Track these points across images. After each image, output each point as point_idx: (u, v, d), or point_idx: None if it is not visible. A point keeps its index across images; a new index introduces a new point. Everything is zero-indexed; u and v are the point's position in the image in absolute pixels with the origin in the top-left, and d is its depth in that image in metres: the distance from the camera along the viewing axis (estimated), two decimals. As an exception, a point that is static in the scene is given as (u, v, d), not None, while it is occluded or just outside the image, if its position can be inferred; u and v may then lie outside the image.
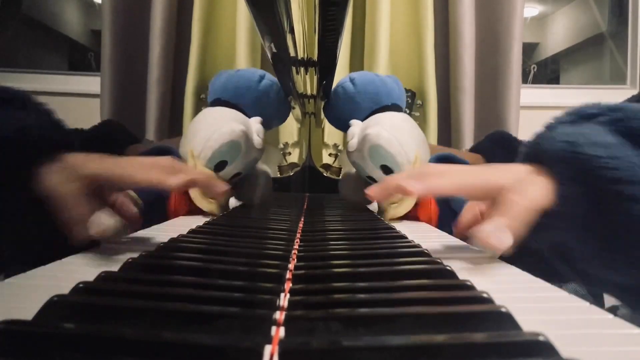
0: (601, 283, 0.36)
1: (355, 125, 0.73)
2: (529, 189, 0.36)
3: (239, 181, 0.74)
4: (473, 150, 1.02)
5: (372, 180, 0.73)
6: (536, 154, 0.38)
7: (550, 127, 0.39)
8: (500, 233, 0.33)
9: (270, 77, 0.78)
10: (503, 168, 0.39)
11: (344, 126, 0.87)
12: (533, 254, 0.38)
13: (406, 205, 0.68)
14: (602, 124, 0.35)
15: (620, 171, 0.31)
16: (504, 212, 0.35)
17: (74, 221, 0.35)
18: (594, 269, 0.35)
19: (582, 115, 0.37)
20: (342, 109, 0.80)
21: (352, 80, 0.78)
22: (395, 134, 0.67)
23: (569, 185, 0.34)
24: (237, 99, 0.75)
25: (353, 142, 0.71)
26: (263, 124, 0.75)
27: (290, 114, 0.88)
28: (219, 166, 0.69)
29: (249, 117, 0.74)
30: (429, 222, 0.68)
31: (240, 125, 0.68)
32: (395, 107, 0.77)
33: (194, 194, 0.68)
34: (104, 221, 0.35)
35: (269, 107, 0.78)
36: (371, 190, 0.40)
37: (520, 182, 0.36)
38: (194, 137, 0.68)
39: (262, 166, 0.82)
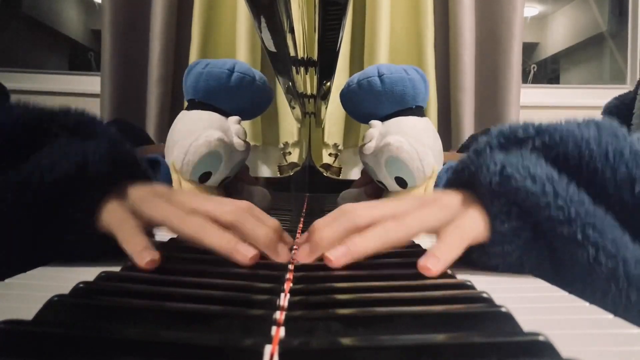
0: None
1: (375, 127, 0.70)
2: (465, 223, 0.35)
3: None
4: (464, 148, 1.01)
5: (382, 185, 0.73)
6: (467, 181, 0.37)
7: (479, 153, 0.36)
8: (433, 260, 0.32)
9: (240, 68, 0.71)
10: (438, 205, 0.37)
11: (358, 117, 0.82)
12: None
13: None
14: (533, 150, 0.35)
15: (556, 209, 0.31)
16: (438, 242, 0.34)
17: (131, 252, 0.33)
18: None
19: (512, 140, 0.36)
20: (363, 102, 0.75)
21: (380, 76, 0.72)
22: (417, 147, 0.65)
23: (503, 221, 0.33)
24: (210, 100, 0.70)
25: (370, 145, 0.69)
26: (245, 116, 0.71)
27: (291, 113, 0.87)
28: (203, 177, 0.67)
29: (228, 114, 0.70)
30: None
31: (217, 133, 0.65)
32: (418, 110, 0.73)
33: None
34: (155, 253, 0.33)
35: (245, 99, 0.73)
36: (299, 257, 0.36)
37: (455, 216, 0.35)
38: (173, 147, 0.66)
39: (260, 188, 0.80)
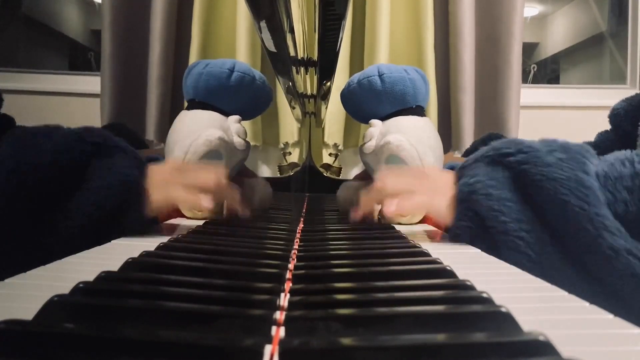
0: None
1: (375, 127, 0.70)
2: (435, 200, 0.52)
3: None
4: (468, 154, 1.02)
5: None
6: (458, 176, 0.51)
7: (475, 160, 0.50)
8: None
9: (240, 68, 0.72)
10: (430, 180, 0.54)
11: (358, 116, 0.83)
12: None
13: (417, 218, 0.68)
14: (508, 165, 0.47)
15: (499, 222, 0.45)
16: (407, 198, 0.51)
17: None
18: None
19: (498, 154, 0.48)
20: (363, 101, 0.76)
21: (380, 76, 0.73)
22: (417, 146, 0.65)
23: (460, 219, 0.48)
24: (210, 99, 0.71)
25: (370, 145, 0.69)
26: (245, 116, 0.71)
27: (291, 113, 0.87)
28: None
29: (227, 114, 0.70)
30: (436, 225, 0.68)
31: (217, 132, 0.65)
32: (418, 110, 0.74)
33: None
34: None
35: (245, 99, 0.74)
36: (356, 215, 0.56)
37: (437, 192, 0.52)
38: (173, 146, 0.66)
39: (261, 179, 0.79)
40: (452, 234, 0.50)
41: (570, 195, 0.42)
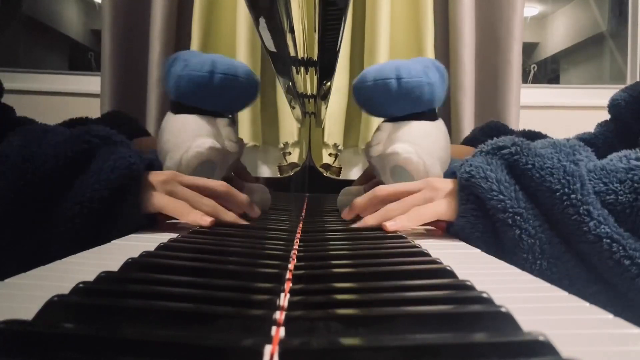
0: None
1: (384, 131, 0.68)
2: (437, 204, 0.53)
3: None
4: (467, 141, 1.01)
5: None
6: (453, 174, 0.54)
7: (473, 155, 0.53)
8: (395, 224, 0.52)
9: (221, 68, 0.68)
10: (429, 187, 0.55)
11: (367, 110, 0.80)
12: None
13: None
14: (502, 157, 0.50)
15: (497, 202, 0.47)
16: (407, 214, 0.53)
17: (194, 221, 0.51)
18: None
19: (494, 147, 0.51)
20: (376, 100, 0.72)
21: (398, 79, 0.69)
22: (425, 159, 0.63)
23: (464, 203, 0.50)
24: (195, 102, 0.67)
25: (378, 148, 0.67)
26: (233, 111, 0.70)
27: (291, 113, 0.87)
28: None
29: (214, 114, 0.67)
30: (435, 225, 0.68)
31: (207, 142, 0.63)
32: (432, 113, 0.71)
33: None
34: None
35: (231, 97, 0.70)
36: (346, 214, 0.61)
37: (436, 197, 0.54)
38: (165, 155, 0.64)
39: (261, 186, 0.78)
40: (457, 224, 0.51)
41: (556, 183, 0.45)
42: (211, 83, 0.66)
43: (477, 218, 0.49)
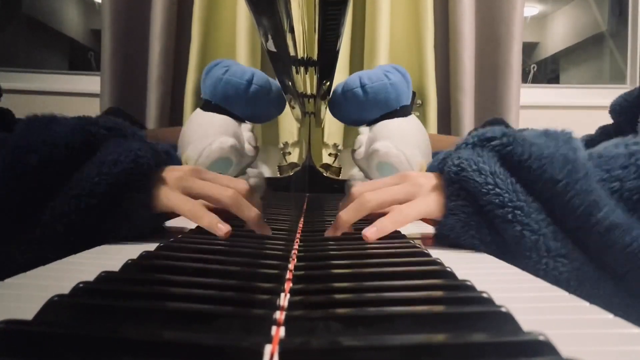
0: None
1: (363, 134, 0.74)
2: (422, 201, 0.47)
3: None
4: None
5: None
6: (442, 169, 0.48)
7: (457, 148, 0.47)
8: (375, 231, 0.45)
9: (258, 80, 0.74)
10: (411, 181, 0.48)
11: (346, 122, 0.89)
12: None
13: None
14: (493, 148, 0.44)
15: (494, 196, 0.42)
16: (386, 216, 0.46)
17: (208, 226, 0.44)
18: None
19: (481, 139, 0.46)
20: (349, 110, 0.80)
21: (362, 87, 0.75)
22: (404, 149, 0.68)
23: (453, 200, 0.45)
24: (226, 105, 0.75)
25: (360, 151, 0.73)
26: (257, 121, 0.75)
27: (290, 113, 0.87)
28: None
29: (241, 119, 0.74)
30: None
31: (230, 140, 0.69)
32: (402, 110, 0.76)
33: None
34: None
35: (260, 108, 0.78)
36: (329, 232, 0.49)
37: (420, 193, 0.47)
38: (187, 145, 0.69)
39: (255, 169, 0.81)
40: (447, 223, 0.45)
41: (558, 173, 0.41)
42: (246, 91, 0.74)
43: (468, 215, 0.44)
